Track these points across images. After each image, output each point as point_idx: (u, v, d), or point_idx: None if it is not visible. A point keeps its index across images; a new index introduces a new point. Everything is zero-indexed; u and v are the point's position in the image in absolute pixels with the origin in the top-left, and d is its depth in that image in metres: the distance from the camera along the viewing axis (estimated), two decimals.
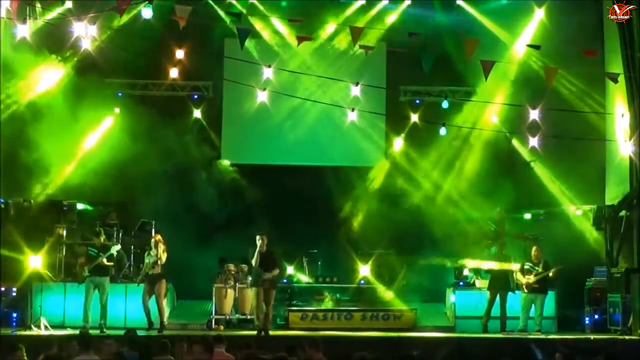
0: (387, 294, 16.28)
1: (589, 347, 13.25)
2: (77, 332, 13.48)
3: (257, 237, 14.02)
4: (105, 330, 13.98)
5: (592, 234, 16.85)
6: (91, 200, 16.96)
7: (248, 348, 9.44)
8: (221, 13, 16.19)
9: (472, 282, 16.24)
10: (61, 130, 16.49)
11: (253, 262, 14.05)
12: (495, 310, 15.15)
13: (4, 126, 15.45)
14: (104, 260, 14.31)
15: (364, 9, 17.37)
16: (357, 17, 17.09)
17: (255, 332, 13.97)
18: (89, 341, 9.28)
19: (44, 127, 16.07)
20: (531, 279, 14.80)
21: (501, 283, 15.18)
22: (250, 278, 15.00)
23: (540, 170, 17.17)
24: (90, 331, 12.65)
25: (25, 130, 15.89)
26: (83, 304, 14.32)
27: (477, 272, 16.22)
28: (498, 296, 15.09)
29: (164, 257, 14.44)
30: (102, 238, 14.88)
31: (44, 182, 16.39)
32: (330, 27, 16.83)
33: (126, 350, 9.31)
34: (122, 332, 11.57)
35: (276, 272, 14.24)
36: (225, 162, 17.88)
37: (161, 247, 14.48)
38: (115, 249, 14.71)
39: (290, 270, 16.68)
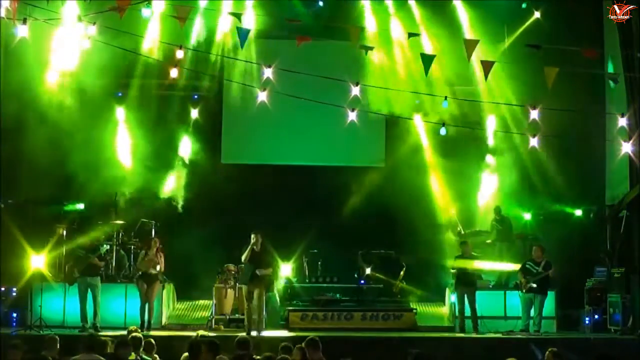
0: (395, 284, 16.32)
1: (589, 347, 13.28)
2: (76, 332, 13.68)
3: (252, 235, 13.97)
4: (99, 329, 13.96)
5: (592, 234, 16.85)
6: (91, 200, 16.94)
7: (244, 348, 9.43)
8: None
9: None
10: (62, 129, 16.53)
11: (243, 258, 14.00)
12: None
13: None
14: (96, 259, 14.30)
15: None
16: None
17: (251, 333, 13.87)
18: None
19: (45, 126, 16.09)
20: (524, 283, 14.79)
21: (465, 283, 15.09)
22: None
23: (541, 170, 17.14)
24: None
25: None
26: (79, 305, 14.32)
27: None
28: (465, 296, 14.98)
29: (161, 262, 14.49)
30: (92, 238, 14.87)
31: (44, 182, 16.38)
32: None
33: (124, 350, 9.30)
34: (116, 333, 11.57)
35: (269, 271, 14.17)
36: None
37: (159, 252, 14.53)
38: (105, 248, 14.71)
39: (288, 270, 16.65)
